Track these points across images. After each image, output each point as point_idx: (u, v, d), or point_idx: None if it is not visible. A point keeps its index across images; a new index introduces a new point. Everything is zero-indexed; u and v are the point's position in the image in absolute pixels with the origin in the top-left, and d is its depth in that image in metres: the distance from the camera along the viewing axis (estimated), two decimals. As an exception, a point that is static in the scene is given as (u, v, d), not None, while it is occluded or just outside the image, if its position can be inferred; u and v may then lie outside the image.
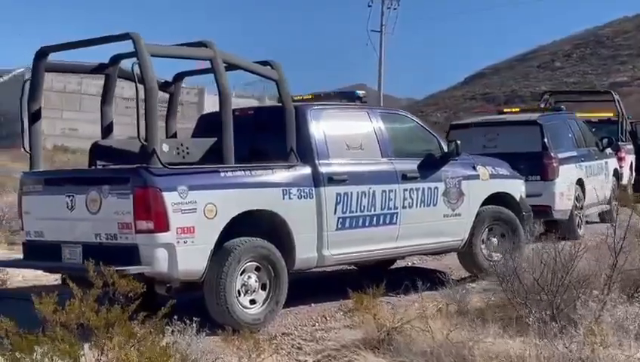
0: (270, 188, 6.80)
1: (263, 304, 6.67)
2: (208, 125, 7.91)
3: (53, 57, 6.95)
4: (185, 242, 6.23)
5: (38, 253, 6.85)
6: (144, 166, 6.22)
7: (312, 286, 8.06)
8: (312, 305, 7.43)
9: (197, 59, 6.83)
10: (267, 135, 7.33)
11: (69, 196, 6.53)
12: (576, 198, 11.19)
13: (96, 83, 49.30)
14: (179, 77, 7.84)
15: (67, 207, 6.53)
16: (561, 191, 10.79)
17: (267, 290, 6.70)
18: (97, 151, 7.17)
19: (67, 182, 6.72)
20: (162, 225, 6.14)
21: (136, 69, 6.19)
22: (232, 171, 6.60)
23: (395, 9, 38.97)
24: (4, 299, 7.50)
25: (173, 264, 6.19)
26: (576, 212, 11.15)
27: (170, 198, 6.17)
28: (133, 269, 6.09)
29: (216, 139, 7.33)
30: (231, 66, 6.95)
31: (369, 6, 39.01)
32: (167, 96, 7.77)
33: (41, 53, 6.92)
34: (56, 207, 6.62)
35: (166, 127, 7.83)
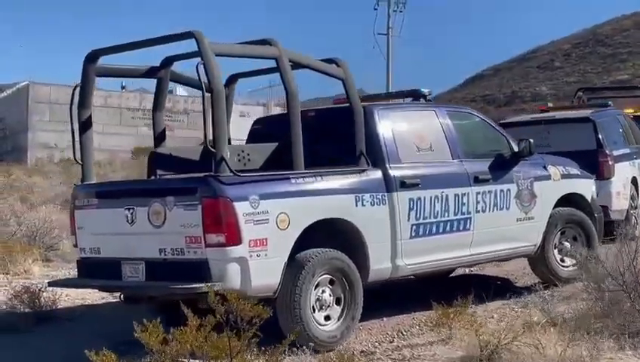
0: (343, 194, 6.34)
1: (339, 320, 6.21)
2: (264, 129, 7.47)
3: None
4: (258, 256, 5.77)
5: (95, 271, 6.36)
6: (213, 174, 5.75)
7: (376, 299, 7.58)
8: (384, 319, 6.96)
9: (262, 58, 6.36)
10: (331, 138, 6.85)
11: (128, 209, 6.05)
12: (631, 197, 10.76)
13: (101, 94, 48.97)
14: (232, 79, 7.37)
15: (127, 220, 6.05)
16: (618, 190, 10.35)
17: (342, 305, 6.25)
18: (156, 160, 6.69)
19: (126, 194, 6.22)
20: (234, 237, 5.67)
21: (201, 70, 5.72)
22: (303, 178, 6.14)
23: (401, 12, 38.63)
24: (55, 320, 7.02)
25: (246, 280, 5.72)
26: (631, 211, 10.71)
27: (241, 209, 5.70)
28: (205, 287, 5.63)
29: (277, 144, 6.92)
30: (296, 65, 6.50)
31: (375, 9, 38.68)
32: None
33: (92, 57, 6.45)
34: (115, 221, 6.14)
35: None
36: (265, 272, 5.82)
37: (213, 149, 5.73)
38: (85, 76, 6.47)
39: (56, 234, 10.18)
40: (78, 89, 6.49)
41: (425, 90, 7.55)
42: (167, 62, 6.91)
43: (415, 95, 7.60)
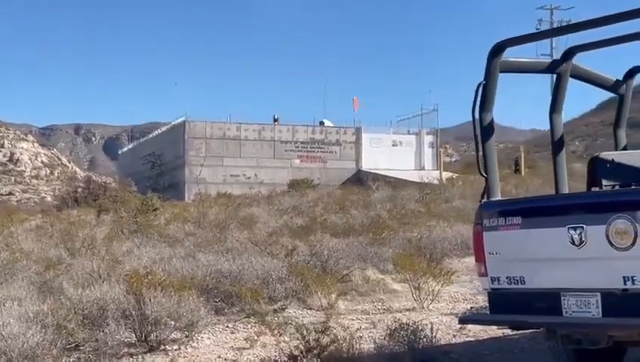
0: None
1: None
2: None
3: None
4: None
5: (518, 305, 5.25)
6: None
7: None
8: None
9: None
10: None
11: (575, 228, 4.92)
12: None
13: (254, 128, 49.17)
14: (631, 73, 6.20)
15: (572, 242, 4.92)
16: None
17: None
18: (598, 168, 5.55)
19: (570, 209, 5.09)
20: None
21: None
22: None
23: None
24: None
25: None
26: None
27: None
28: None
29: None
30: None
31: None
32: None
33: (497, 49, 5.43)
34: (550, 243, 5.03)
35: (615, 138, 6.23)
36: None
37: None
38: (490, 72, 5.46)
39: (343, 264, 9.24)
40: (481, 87, 5.46)
41: None
42: (568, 54, 5.83)
43: None
